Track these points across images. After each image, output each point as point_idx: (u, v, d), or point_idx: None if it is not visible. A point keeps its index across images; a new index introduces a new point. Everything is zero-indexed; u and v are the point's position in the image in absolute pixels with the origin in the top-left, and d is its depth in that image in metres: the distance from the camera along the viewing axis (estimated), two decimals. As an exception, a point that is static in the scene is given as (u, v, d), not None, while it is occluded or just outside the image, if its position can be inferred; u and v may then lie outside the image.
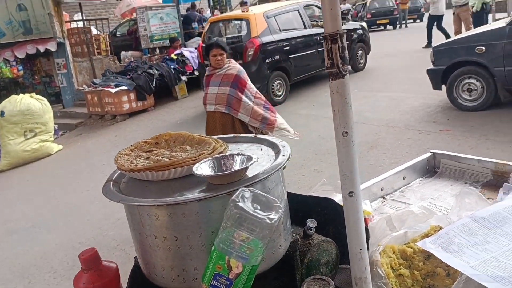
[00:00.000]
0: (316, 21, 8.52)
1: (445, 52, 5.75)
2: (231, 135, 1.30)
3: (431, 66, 5.90)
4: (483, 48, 5.28)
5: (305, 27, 8.21)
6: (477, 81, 5.46)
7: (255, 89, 3.65)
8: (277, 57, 7.57)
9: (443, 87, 5.84)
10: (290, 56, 7.79)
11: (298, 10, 8.27)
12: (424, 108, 6.10)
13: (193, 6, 13.57)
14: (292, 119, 5.62)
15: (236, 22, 8.16)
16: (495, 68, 5.22)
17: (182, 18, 11.30)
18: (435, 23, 10.17)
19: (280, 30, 7.78)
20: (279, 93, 7.72)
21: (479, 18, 8.48)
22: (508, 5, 7.45)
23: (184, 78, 9.30)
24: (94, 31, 10.88)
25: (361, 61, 9.44)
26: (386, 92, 7.44)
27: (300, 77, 8.15)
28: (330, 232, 1.18)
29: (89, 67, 9.84)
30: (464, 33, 6.53)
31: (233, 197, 0.83)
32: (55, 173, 6.31)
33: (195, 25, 11.85)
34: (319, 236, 1.12)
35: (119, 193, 1.00)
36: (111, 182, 1.06)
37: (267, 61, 7.41)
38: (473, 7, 8.90)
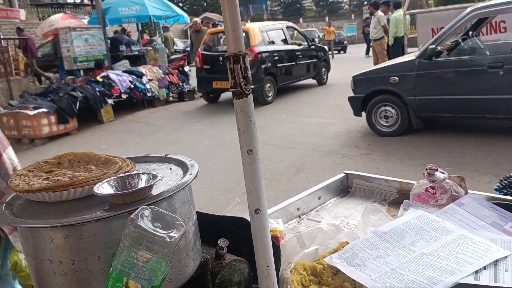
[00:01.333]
0: (295, 41, 10.84)
1: (363, 81, 6.14)
2: (141, 155, 1.27)
3: (352, 94, 6.26)
4: (396, 78, 5.71)
5: (287, 43, 10.24)
6: (392, 108, 5.87)
7: None
8: (269, 64, 9.25)
9: (363, 113, 6.21)
10: (277, 65, 9.52)
11: (282, 29, 10.36)
12: (347, 133, 6.41)
13: (123, 29, 13.35)
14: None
15: None
16: (407, 97, 5.65)
17: (109, 41, 11.03)
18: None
19: (270, 43, 9.63)
20: (270, 94, 9.38)
21: (395, 50, 9.21)
22: (418, 40, 8.18)
23: (110, 101, 9.00)
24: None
25: (324, 77, 11.41)
26: (313, 117, 7.75)
27: (284, 83, 10.01)
28: (244, 252, 1.17)
29: (6, 88, 9.19)
30: (380, 64, 7.04)
31: (131, 216, 0.79)
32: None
33: (123, 47, 11.61)
34: (231, 256, 1.11)
35: (11, 215, 0.92)
36: (3, 205, 0.97)
37: (262, 66, 9.02)
38: (389, 40, 9.67)
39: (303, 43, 10.60)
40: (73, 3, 30.71)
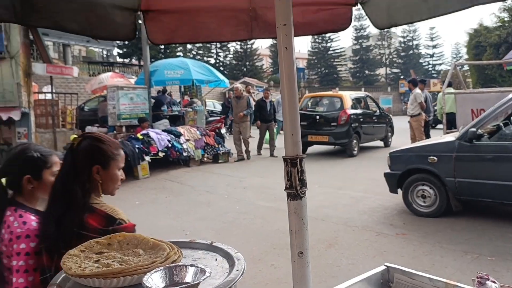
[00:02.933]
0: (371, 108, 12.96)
1: (400, 158, 6.08)
2: (187, 240, 1.28)
3: (388, 170, 6.19)
4: (435, 158, 5.63)
5: (367, 109, 12.57)
6: (430, 188, 5.73)
7: None
8: (356, 124, 11.30)
9: (399, 191, 6.08)
10: (361, 125, 11.59)
11: (364, 97, 12.91)
12: (381, 209, 6.26)
13: (164, 89, 14.02)
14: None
15: (331, 98, 12.24)
16: (446, 178, 5.52)
17: (153, 100, 11.59)
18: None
19: (356, 108, 11.88)
20: (355, 149, 11.31)
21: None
22: (457, 120, 8.12)
23: (147, 158, 9.26)
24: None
25: (390, 140, 13.26)
26: (346, 190, 7.64)
27: (364, 142, 11.98)
28: None
29: (51, 139, 9.67)
30: (419, 142, 6.99)
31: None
32: None
33: (164, 107, 12.12)
34: None
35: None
36: (54, 287, 0.99)
37: (352, 125, 11.08)
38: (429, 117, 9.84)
39: (375, 110, 12.77)
40: (122, 63, 32.82)
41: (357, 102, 12.19)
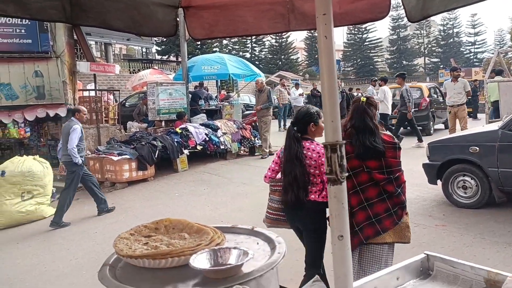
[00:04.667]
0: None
1: (440, 149, 5.93)
2: (229, 225, 1.35)
3: (427, 161, 6.05)
4: (477, 148, 5.46)
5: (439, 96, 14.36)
6: (471, 179, 5.57)
7: None
8: (432, 109, 13.08)
9: (439, 182, 5.94)
10: (435, 110, 13.35)
11: (434, 87, 15.04)
12: (419, 201, 6.14)
13: (201, 84, 14.24)
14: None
15: (412, 88, 12.04)
16: (489, 169, 5.36)
17: (190, 95, 11.81)
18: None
19: (431, 96, 13.50)
20: (431, 129, 12.99)
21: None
22: (501, 109, 7.81)
23: (186, 151, 9.48)
24: (111, 97, 11.31)
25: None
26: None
27: (437, 123, 13.77)
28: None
29: (95, 134, 10.07)
30: (460, 132, 6.78)
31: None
32: (45, 237, 6.20)
33: (201, 102, 12.33)
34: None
35: (115, 280, 1.02)
36: (107, 267, 1.08)
37: (430, 110, 12.85)
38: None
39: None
40: (161, 60, 33.54)
41: (430, 91, 14.02)
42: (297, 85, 17.02)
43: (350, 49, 53.53)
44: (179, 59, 13.65)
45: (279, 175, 3.26)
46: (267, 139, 10.55)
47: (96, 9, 1.84)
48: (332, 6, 2.23)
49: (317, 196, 3.03)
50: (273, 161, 3.34)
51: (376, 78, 16.77)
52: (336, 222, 0.91)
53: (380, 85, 11.88)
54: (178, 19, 2.10)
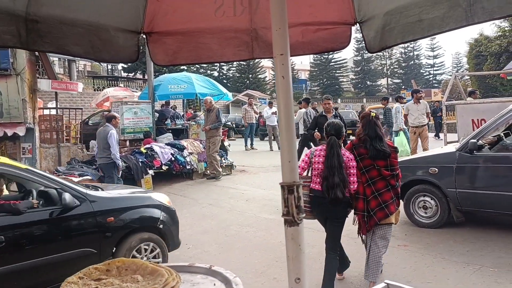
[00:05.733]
0: None
1: (402, 170, 6.07)
2: (186, 264, 1.32)
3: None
4: (436, 169, 5.66)
5: None
6: (431, 199, 5.75)
7: None
8: None
9: (401, 202, 6.08)
10: None
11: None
12: (383, 221, 6.24)
13: (167, 103, 14.11)
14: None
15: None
16: (447, 189, 5.55)
17: (157, 114, 11.68)
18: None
19: None
20: None
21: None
22: (458, 131, 8.15)
23: (151, 172, 9.30)
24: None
25: None
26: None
27: None
28: None
29: (55, 154, 9.75)
30: (420, 153, 7.01)
31: None
32: None
33: (167, 121, 12.21)
34: None
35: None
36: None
37: None
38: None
39: None
40: (127, 77, 33.10)
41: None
42: (270, 104, 16.85)
43: (316, 69, 54.78)
44: (146, 77, 13.51)
45: (304, 173, 4.03)
46: (216, 159, 10.35)
47: (54, 34, 1.80)
48: (295, 35, 2.28)
49: (347, 193, 3.79)
50: (302, 160, 4.05)
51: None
52: (293, 265, 0.90)
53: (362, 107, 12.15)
54: (140, 44, 2.09)
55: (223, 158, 10.94)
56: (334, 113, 7.35)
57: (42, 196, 4.01)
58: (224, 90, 12.71)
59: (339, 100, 44.63)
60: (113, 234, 4.30)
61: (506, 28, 23.95)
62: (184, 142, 10.52)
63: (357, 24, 2.27)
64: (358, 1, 2.13)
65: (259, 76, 49.77)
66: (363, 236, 4.12)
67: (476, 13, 1.89)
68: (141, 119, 10.56)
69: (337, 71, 53.81)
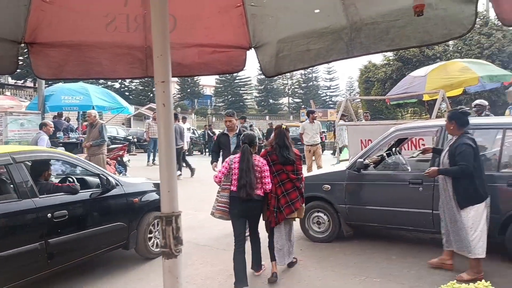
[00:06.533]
0: None
1: (298, 187, 6.38)
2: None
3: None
4: (329, 186, 6.03)
5: None
6: (324, 215, 6.09)
7: None
8: None
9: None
10: None
11: None
12: (281, 236, 6.45)
13: (60, 114, 13.15)
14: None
15: None
16: (338, 205, 5.93)
17: (47, 126, 10.77)
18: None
19: None
20: None
21: None
22: (349, 150, 8.80)
23: (38, 189, 8.53)
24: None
25: None
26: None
27: None
28: None
29: None
30: (315, 171, 7.42)
31: None
32: None
33: (60, 134, 11.36)
34: None
35: None
36: None
37: None
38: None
39: None
40: (15, 85, 30.15)
41: None
42: (184, 119, 16.02)
43: (221, 85, 55.55)
44: (36, 85, 12.47)
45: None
46: None
47: None
48: (191, 56, 2.29)
49: (259, 192, 4.51)
50: (223, 167, 4.66)
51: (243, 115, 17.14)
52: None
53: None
54: (19, 55, 1.92)
55: (121, 174, 10.46)
56: (238, 131, 6.41)
57: (84, 180, 5.29)
58: (125, 103, 12.24)
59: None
60: (138, 212, 5.39)
61: (391, 58, 26.72)
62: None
63: (252, 48, 2.35)
64: (252, 27, 2.22)
65: (164, 90, 48.91)
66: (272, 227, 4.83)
67: (355, 47, 2.07)
68: (29, 131, 9.68)
69: (242, 89, 55.18)
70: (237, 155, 4.63)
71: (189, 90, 53.54)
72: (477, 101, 9.01)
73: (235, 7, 2.05)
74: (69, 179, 5.11)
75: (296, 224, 6.38)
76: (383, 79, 26.41)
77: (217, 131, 25.63)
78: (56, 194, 4.47)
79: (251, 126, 20.41)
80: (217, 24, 2.18)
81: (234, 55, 2.37)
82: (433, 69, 10.01)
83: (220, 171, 4.63)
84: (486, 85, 10.05)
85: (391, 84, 22.40)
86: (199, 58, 2.30)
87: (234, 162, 4.55)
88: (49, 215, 4.20)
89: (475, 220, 4.36)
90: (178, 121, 10.83)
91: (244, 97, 55.90)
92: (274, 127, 5.38)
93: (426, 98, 11.09)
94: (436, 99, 8.66)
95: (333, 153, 18.55)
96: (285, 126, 4.93)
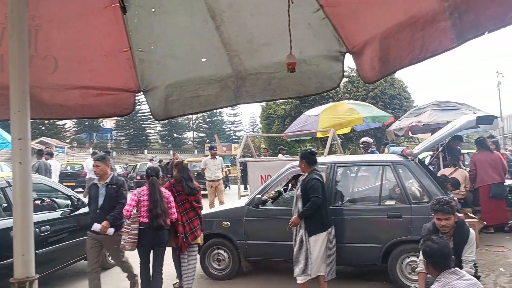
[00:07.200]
0: None
1: (199, 225, 6.33)
2: None
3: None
4: (229, 223, 6.07)
5: None
6: (224, 252, 6.09)
7: None
8: None
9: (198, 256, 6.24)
10: None
11: None
12: (174, 278, 6.27)
13: None
14: None
15: None
16: (238, 241, 5.98)
17: None
18: None
19: None
20: None
21: None
22: (249, 185, 8.99)
23: None
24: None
25: None
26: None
27: None
28: None
29: None
30: (216, 208, 7.44)
31: None
32: None
33: None
34: None
35: None
36: None
37: None
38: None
39: None
40: None
41: None
42: (49, 155, 14.82)
43: (123, 119, 53.53)
44: None
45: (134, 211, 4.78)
46: None
47: None
48: (74, 97, 2.21)
49: (168, 221, 4.84)
50: (132, 199, 4.80)
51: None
52: None
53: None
54: None
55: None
56: (110, 180, 5.05)
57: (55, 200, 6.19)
58: (8, 137, 11.17)
59: (145, 151, 44.32)
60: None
61: (290, 96, 28.34)
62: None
63: (141, 92, 2.35)
64: (141, 71, 2.23)
65: (57, 122, 45.75)
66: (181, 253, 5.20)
67: (242, 95, 2.19)
68: None
69: (145, 122, 53.79)
70: (144, 187, 4.91)
71: (87, 123, 50.77)
72: (364, 139, 9.95)
73: (122, 52, 2.05)
74: (44, 199, 5.99)
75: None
76: (283, 115, 27.79)
77: (118, 167, 24.44)
78: (40, 212, 5.43)
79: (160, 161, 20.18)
80: (103, 67, 2.15)
81: (122, 98, 2.34)
82: (324, 109, 10.82)
83: (129, 204, 4.77)
84: (370, 124, 11.12)
85: (290, 120, 23.66)
86: (83, 100, 2.23)
87: (143, 195, 4.80)
88: (37, 229, 4.93)
89: (315, 247, 4.78)
90: (42, 158, 10.08)
91: (147, 131, 54.52)
92: (174, 163, 6.06)
93: (319, 135, 11.90)
94: (328, 137, 9.33)
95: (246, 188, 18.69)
96: (186, 162, 5.64)
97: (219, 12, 1.88)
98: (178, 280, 5.55)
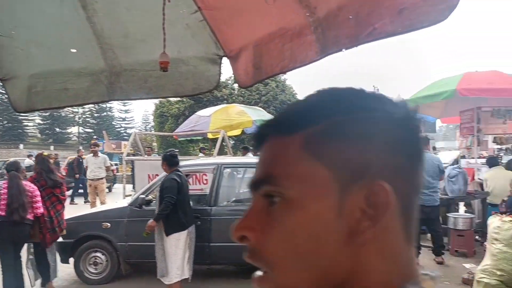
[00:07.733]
0: None
1: (74, 226, 5.90)
2: None
3: (60, 239, 5.87)
4: (109, 224, 5.77)
5: None
6: (102, 254, 5.78)
7: None
8: None
9: (72, 260, 5.84)
10: None
11: None
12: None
13: None
14: None
15: None
16: (118, 243, 5.72)
17: None
18: None
19: None
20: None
21: None
22: (135, 185, 8.69)
23: None
24: None
25: None
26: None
27: None
28: None
29: None
30: (96, 208, 7.04)
31: None
32: None
33: None
34: None
35: None
36: None
37: None
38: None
39: None
40: None
41: None
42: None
43: (-5, 109, 47.85)
44: None
45: None
46: None
47: None
48: None
49: (30, 216, 4.75)
50: None
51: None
52: None
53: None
54: None
55: None
56: None
57: None
58: None
59: (21, 146, 40.22)
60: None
61: (184, 95, 28.02)
62: None
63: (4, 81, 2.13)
64: (0, 57, 2.01)
65: None
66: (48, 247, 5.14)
67: (116, 92, 2.10)
68: None
69: (21, 114, 48.72)
70: (4, 181, 4.89)
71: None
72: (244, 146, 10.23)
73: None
74: None
75: (70, 266, 5.91)
76: (176, 114, 27.40)
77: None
78: None
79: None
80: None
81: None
82: (216, 110, 10.93)
83: None
84: (259, 127, 11.51)
85: (184, 120, 23.33)
86: None
87: (3, 188, 4.72)
88: None
89: (177, 247, 4.88)
90: None
91: (25, 123, 49.46)
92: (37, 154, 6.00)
93: (210, 136, 11.97)
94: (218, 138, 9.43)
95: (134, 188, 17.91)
96: (46, 154, 5.70)
97: (91, 1, 1.78)
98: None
